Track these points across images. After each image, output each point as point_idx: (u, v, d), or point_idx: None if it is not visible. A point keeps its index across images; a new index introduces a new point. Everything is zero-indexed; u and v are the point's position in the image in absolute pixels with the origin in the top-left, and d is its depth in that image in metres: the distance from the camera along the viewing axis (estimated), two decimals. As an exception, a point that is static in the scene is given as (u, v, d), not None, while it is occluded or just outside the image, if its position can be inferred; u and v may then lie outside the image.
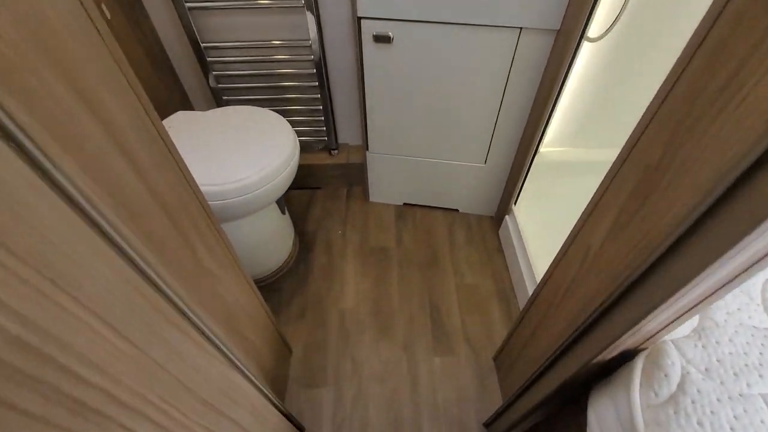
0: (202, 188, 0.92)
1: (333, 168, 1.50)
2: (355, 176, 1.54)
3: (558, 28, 0.92)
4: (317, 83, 1.29)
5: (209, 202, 0.92)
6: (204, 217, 0.61)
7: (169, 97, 1.28)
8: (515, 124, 1.16)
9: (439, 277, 1.31)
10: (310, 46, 1.20)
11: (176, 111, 1.32)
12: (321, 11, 1.15)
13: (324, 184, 1.57)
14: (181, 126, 1.04)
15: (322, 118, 1.40)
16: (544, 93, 1.01)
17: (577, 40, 0.87)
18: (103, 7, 0.98)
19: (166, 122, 1.06)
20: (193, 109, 1.43)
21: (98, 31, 0.36)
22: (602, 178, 0.54)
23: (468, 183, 1.38)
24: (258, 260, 1.21)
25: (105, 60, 0.37)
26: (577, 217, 0.61)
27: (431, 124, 1.21)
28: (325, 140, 1.47)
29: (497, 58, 1.01)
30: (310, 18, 1.12)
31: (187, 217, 0.55)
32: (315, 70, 1.26)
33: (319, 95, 1.33)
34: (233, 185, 0.91)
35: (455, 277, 1.31)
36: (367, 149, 1.34)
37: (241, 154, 0.97)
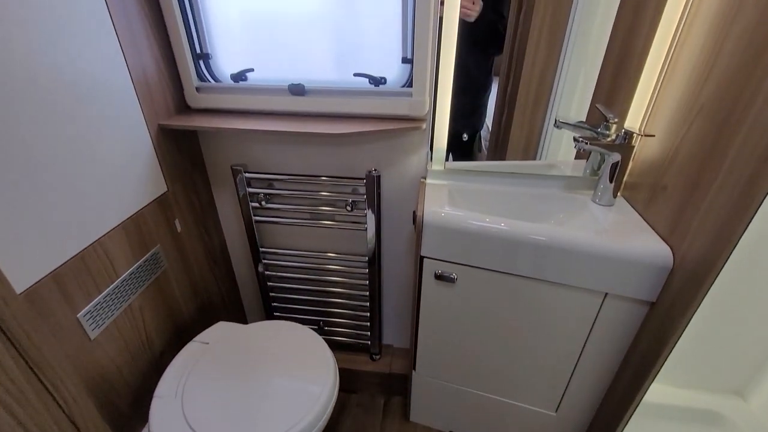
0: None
1: (373, 375, 1.33)
2: (397, 386, 1.35)
3: (653, 300, 0.80)
4: (367, 289, 1.22)
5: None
6: None
7: (221, 296, 1.27)
8: (602, 371, 0.95)
9: None
10: (366, 246, 1.16)
11: (225, 308, 1.30)
12: (382, 221, 1.13)
13: (360, 389, 1.38)
14: (217, 344, 0.96)
15: (368, 323, 1.29)
16: (643, 351, 0.83)
17: (691, 315, 0.72)
18: (176, 222, 1.01)
19: (203, 336, 0.99)
20: (243, 307, 1.41)
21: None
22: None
23: (531, 429, 1.13)
24: None
25: None
26: None
27: (490, 364, 1.05)
28: (367, 344, 1.33)
29: (577, 318, 0.89)
30: (370, 221, 1.09)
31: None
32: (367, 268, 1.19)
33: (367, 298, 1.25)
34: (254, 448, 0.76)
35: None
36: (414, 370, 1.18)
37: (272, 400, 0.84)
